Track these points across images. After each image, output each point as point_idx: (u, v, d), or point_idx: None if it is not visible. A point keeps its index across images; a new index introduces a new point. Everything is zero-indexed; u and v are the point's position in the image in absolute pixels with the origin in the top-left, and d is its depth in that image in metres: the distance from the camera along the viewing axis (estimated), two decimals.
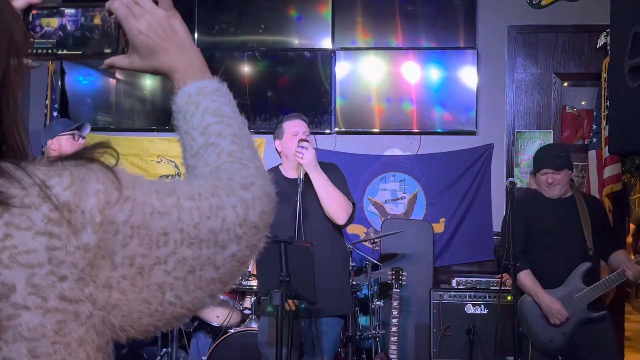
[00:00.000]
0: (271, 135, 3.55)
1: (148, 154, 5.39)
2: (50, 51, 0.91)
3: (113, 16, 0.91)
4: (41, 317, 0.68)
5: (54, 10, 0.92)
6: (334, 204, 3.23)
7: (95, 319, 0.72)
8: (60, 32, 0.91)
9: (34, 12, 0.91)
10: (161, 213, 0.75)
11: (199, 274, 0.77)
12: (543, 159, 3.61)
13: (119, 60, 0.93)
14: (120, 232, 0.72)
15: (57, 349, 0.69)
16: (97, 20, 0.92)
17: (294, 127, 3.35)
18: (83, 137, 3.59)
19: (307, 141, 3.27)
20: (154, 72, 0.93)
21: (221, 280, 0.80)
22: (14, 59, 0.76)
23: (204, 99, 0.90)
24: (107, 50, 0.92)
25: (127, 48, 0.92)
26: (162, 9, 0.93)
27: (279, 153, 3.45)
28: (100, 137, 5.17)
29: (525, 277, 3.57)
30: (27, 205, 0.69)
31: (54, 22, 0.91)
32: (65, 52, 0.92)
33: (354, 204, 3.34)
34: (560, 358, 3.53)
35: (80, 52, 0.92)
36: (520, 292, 3.68)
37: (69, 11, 0.92)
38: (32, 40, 0.91)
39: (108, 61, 0.93)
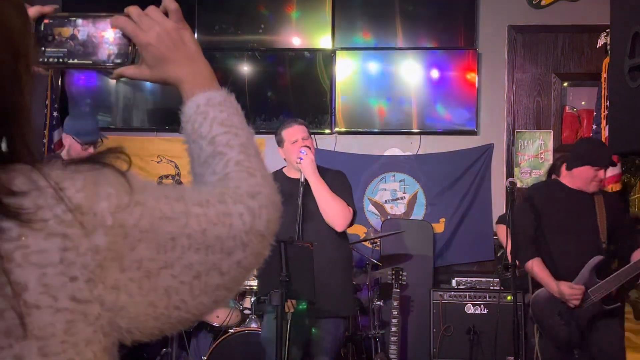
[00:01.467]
0: (271, 136, 3.57)
1: (148, 154, 5.39)
2: (61, 60, 0.92)
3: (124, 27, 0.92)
4: (51, 316, 0.69)
5: (66, 20, 0.93)
6: (331, 210, 3.25)
7: (103, 320, 0.73)
8: (71, 42, 0.92)
9: (46, 21, 0.93)
10: (169, 218, 0.76)
11: (205, 280, 0.79)
12: (601, 156, 3.50)
13: (128, 70, 0.94)
14: (129, 235, 0.73)
15: (66, 348, 0.70)
16: (108, 30, 0.93)
17: (293, 135, 3.37)
18: (94, 147, 3.64)
19: (308, 147, 3.30)
20: (163, 83, 0.95)
21: (226, 287, 0.82)
22: (22, 67, 0.77)
23: (212, 109, 0.91)
24: (117, 61, 0.93)
25: (136, 59, 0.93)
26: (171, 20, 0.94)
27: (284, 159, 3.48)
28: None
29: (536, 266, 3.50)
30: (41, 206, 0.70)
31: (65, 32, 0.93)
32: (75, 61, 0.93)
33: (354, 212, 3.34)
34: (575, 353, 3.51)
35: (90, 62, 0.93)
36: (532, 289, 3.65)
37: (80, 21, 0.93)
38: (43, 49, 0.92)
39: (118, 71, 0.94)
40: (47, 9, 0.93)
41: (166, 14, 0.94)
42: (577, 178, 3.56)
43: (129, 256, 0.73)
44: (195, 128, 0.91)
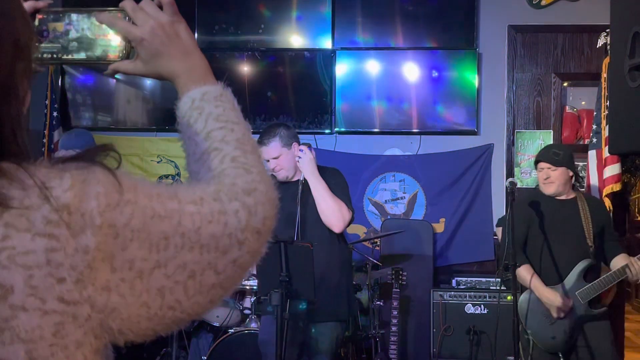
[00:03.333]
0: None
1: (148, 154, 5.39)
2: (55, 56, 0.92)
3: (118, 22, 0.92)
4: (39, 319, 0.68)
5: (60, 15, 0.92)
6: (330, 211, 3.19)
7: (93, 322, 0.71)
8: (65, 37, 0.91)
9: (40, 16, 0.92)
10: (162, 217, 0.74)
11: (200, 279, 0.77)
12: (541, 154, 3.67)
13: (123, 65, 0.93)
14: (120, 235, 0.72)
15: (55, 351, 0.69)
16: (102, 26, 0.92)
17: (264, 155, 3.30)
18: None
19: (309, 145, 3.27)
20: (158, 77, 0.94)
21: (222, 286, 0.80)
22: (20, 62, 0.76)
23: (208, 105, 0.90)
24: (112, 56, 0.92)
25: (131, 54, 0.92)
26: (166, 14, 0.93)
27: None
28: (101, 137, 5.17)
29: (525, 272, 3.57)
30: (27, 206, 0.68)
31: (59, 27, 0.92)
32: (70, 57, 0.92)
33: (353, 213, 3.29)
34: (560, 356, 3.53)
35: (84, 58, 0.92)
36: (521, 291, 3.68)
37: (74, 16, 0.92)
38: (36, 44, 0.90)
39: (113, 67, 0.93)
40: (41, 4, 0.92)
41: (161, 7, 0.93)
42: (539, 184, 3.71)
43: (121, 256, 0.72)
44: (191, 124, 0.89)
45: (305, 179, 3.20)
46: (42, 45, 0.91)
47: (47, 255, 0.68)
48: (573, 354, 3.55)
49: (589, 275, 3.51)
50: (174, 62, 0.92)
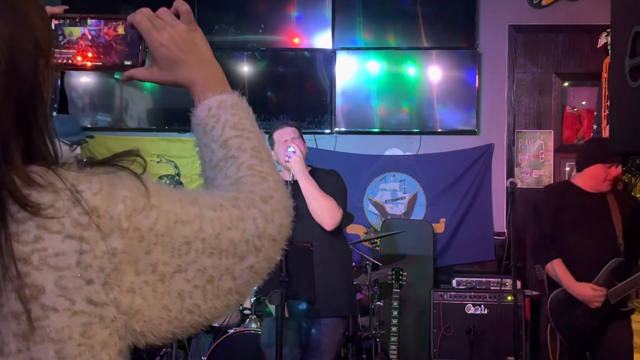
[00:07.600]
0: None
1: (148, 154, 5.38)
2: (70, 61, 0.92)
3: (135, 29, 0.92)
4: (68, 319, 0.70)
5: (77, 21, 0.92)
6: (318, 208, 3.22)
7: (118, 323, 0.73)
8: (81, 43, 0.92)
9: (56, 22, 0.92)
10: (184, 222, 0.76)
11: (218, 284, 0.79)
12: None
13: (139, 72, 0.93)
14: (145, 238, 0.74)
15: (82, 351, 0.71)
16: (118, 32, 0.92)
17: (283, 135, 3.38)
18: (80, 147, 3.57)
19: (294, 145, 3.29)
20: (174, 85, 0.94)
21: (238, 291, 0.82)
22: (42, 64, 0.77)
23: (224, 112, 0.91)
24: (128, 63, 0.92)
25: (147, 60, 0.93)
26: (183, 22, 0.93)
27: (276, 162, 3.46)
28: (101, 137, 5.17)
29: (557, 267, 3.47)
30: (58, 209, 0.70)
31: (76, 32, 0.92)
32: (85, 62, 0.92)
33: (344, 211, 3.30)
34: (588, 355, 3.50)
35: (100, 64, 0.93)
36: (547, 286, 3.62)
37: (90, 22, 0.92)
38: (58, 46, 0.91)
39: (128, 73, 0.94)
40: (57, 9, 0.92)
41: (177, 15, 0.94)
42: (589, 178, 3.53)
43: (144, 260, 0.74)
44: (207, 131, 0.90)
45: (294, 179, 3.22)
46: (58, 50, 0.91)
47: (77, 257, 0.70)
48: (597, 350, 3.49)
49: (619, 274, 3.41)
50: (191, 69, 0.92)
